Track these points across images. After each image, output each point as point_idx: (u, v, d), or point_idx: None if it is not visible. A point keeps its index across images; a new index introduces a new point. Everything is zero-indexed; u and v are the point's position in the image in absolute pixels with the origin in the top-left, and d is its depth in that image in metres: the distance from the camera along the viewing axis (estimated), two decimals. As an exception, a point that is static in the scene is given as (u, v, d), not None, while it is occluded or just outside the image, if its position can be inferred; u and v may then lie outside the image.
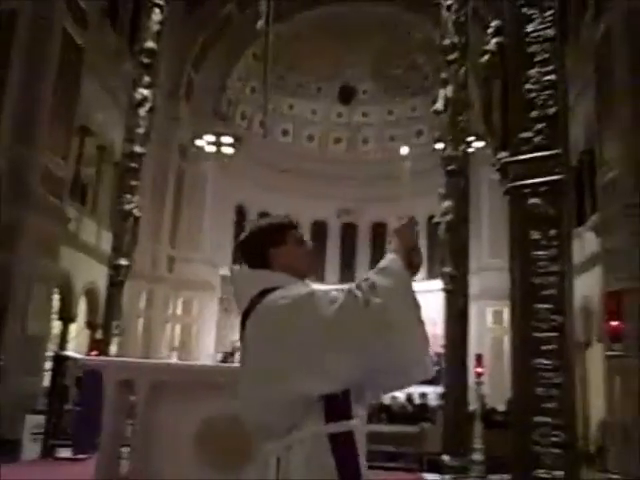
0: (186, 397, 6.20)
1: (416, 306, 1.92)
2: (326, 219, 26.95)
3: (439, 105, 10.60)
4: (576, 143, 15.20)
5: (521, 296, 4.86)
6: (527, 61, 5.02)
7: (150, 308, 20.21)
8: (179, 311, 21.73)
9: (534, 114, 4.87)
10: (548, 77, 4.90)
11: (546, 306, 4.57)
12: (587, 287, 13.49)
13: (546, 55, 4.94)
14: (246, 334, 2.01)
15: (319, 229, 26.96)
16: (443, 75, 10.73)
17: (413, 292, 1.93)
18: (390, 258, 1.97)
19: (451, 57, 10.51)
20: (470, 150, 12.06)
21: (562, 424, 4.51)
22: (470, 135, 11.24)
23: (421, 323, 1.92)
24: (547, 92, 4.87)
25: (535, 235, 4.70)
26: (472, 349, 12.20)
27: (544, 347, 4.54)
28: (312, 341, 1.85)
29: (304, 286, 2.03)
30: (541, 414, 4.51)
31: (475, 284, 17.54)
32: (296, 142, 26.77)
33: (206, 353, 20.99)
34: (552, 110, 4.83)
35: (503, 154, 5.16)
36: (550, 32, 4.98)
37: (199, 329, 22.04)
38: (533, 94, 4.91)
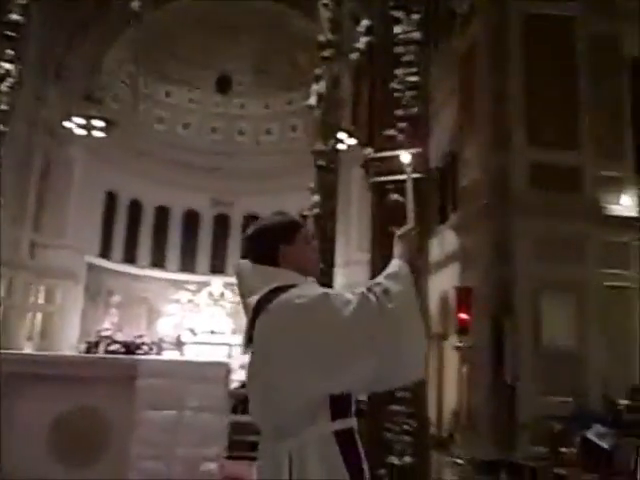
0: (41, 389, 5.88)
1: (419, 309, 2.02)
2: (199, 209, 26.53)
3: (312, 100, 10.68)
4: (441, 145, 15.82)
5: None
6: (394, 61, 5.13)
7: (9, 295, 19.04)
8: (41, 299, 20.63)
9: (398, 113, 4.99)
10: (412, 78, 5.03)
11: (402, 299, 4.70)
12: (446, 282, 14.08)
13: (411, 57, 5.07)
14: (258, 332, 1.98)
15: (191, 219, 26.51)
16: (317, 71, 10.83)
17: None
18: (397, 264, 2.05)
19: (326, 54, 10.61)
20: (341, 146, 12.24)
21: (414, 412, 4.66)
22: (341, 131, 11.41)
23: (423, 326, 2.02)
24: (411, 92, 5.00)
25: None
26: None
27: (400, 338, 4.66)
28: (329, 342, 1.87)
29: (316, 286, 2.05)
30: (395, 403, 4.64)
31: (342, 277, 17.88)
32: (171, 130, 26.14)
33: (69, 344, 20.07)
34: (415, 110, 4.97)
35: (368, 150, 5.26)
36: (416, 35, 5.11)
37: (62, 319, 21.03)
38: (398, 94, 5.03)
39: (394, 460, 4.58)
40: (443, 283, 14.05)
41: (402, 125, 4.95)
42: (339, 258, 12.19)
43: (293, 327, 1.90)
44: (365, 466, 1.97)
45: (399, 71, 5.09)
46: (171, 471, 5.38)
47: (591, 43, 12.61)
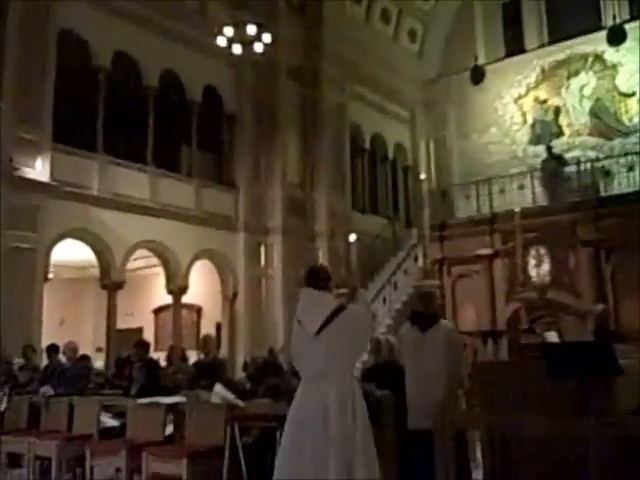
0: None
1: None
2: None
3: None
4: None
5: None
6: None
7: None
8: None
9: None
10: None
11: None
12: None
13: None
14: (340, 324, 3.71)
15: None
16: None
17: None
18: (362, 292, 4.22)
19: None
20: None
21: None
22: None
23: None
24: None
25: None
26: None
27: None
28: (369, 331, 4.16)
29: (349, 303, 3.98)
30: None
31: None
32: None
33: None
34: None
35: None
36: None
37: None
38: None
39: None
40: None
41: None
42: None
43: (360, 323, 3.84)
44: None
45: None
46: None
47: (25, 4, 12.23)
